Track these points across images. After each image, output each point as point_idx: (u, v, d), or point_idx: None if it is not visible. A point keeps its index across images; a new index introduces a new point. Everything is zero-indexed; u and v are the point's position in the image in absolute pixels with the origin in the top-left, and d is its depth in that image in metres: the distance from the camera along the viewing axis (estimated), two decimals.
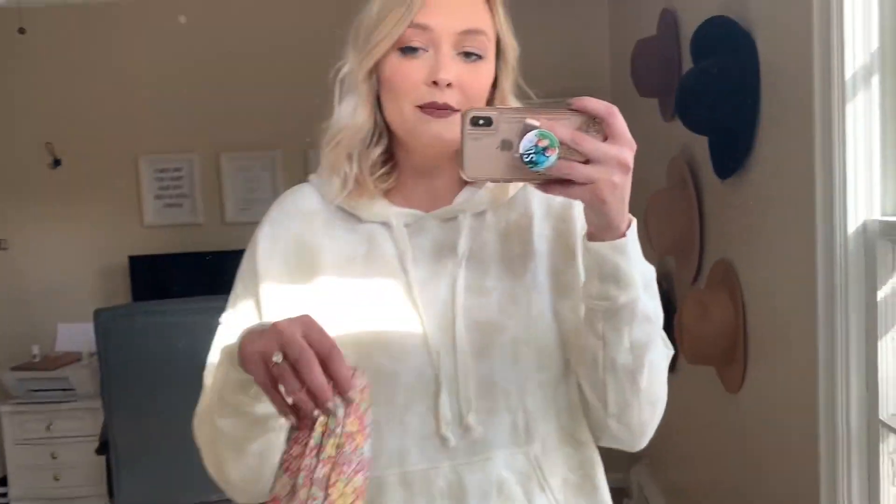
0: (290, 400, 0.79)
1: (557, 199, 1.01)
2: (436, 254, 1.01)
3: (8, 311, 4.09)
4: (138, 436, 2.57)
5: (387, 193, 1.03)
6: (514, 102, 1.03)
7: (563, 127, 0.81)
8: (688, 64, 2.37)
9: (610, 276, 0.88)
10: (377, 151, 1.02)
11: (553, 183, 0.83)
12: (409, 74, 0.95)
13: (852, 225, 1.61)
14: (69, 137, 4.01)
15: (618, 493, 1.58)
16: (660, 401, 0.99)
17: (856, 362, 1.62)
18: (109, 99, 3.99)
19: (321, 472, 0.78)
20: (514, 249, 1.02)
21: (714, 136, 2.25)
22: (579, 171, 0.81)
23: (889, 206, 1.60)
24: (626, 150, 0.82)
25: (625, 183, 0.83)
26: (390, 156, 1.03)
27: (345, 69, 1.01)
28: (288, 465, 0.81)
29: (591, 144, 0.81)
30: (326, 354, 0.79)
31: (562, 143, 0.81)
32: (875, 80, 1.58)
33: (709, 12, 2.20)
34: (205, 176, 4.10)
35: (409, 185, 1.04)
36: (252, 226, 1.07)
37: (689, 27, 2.40)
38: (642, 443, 1.02)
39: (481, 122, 0.81)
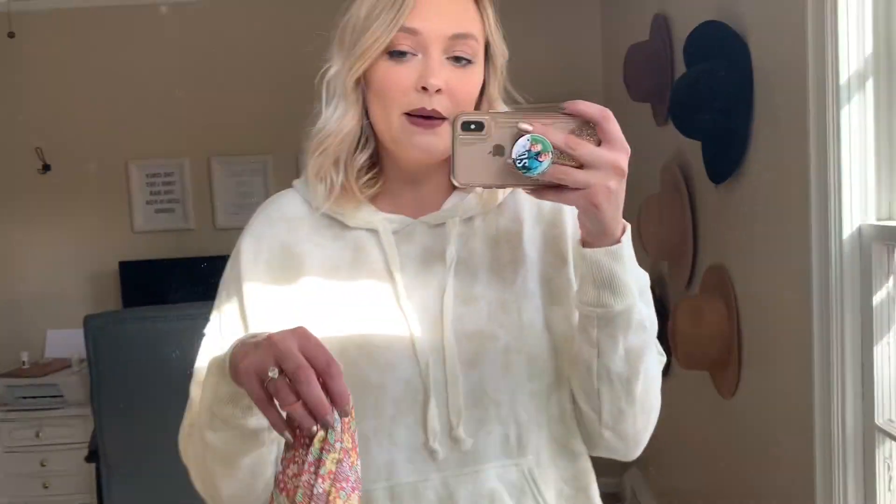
0: (285, 415, 0.77)
1: (547, 204, 0.99)
2: (424, 261, 0.99)
3: None
4: (128, 443, 2.55)
5: (373, 199, 1.01)
6: (502, 107, 1.00)
7: (556, 131, 0.79)
8: (680, 69, 2.36)
9: (605, 282, 0.87)
10: (363, 157, 0.99)
11: (546, 188, 0.82)
12: (398, 80, 0.93)
13: (847, 229, 1.60)
14: (59, 142, 3.97)
15: (611, 498, 1.57)
16: (654, 409, 0.98)
17: (851, 367, 1.62)
18: (99, 103, 3.97)
19: (321, 487, 0.76)
20: (503, 256, 1.00)
21: (707, 140, 2.25)
22: (574, 176, 0.80)
23: (884, 210, 1.60)
24: (620, 154, 0.81)
25: (620, 188, 0.82)
26: (376, 160, 1.01)
27: (331, 72, 0.98)
28: (284, 486, 0.79)
29: (586, 149, 0.80)
30: (324, 368, 0.76)
31: (555, 148, 0.79)
32: (869, 84, 1.58)
33: (702, 17, 2.19)
34: (196, 181, 4.07)
35: (395, 190, 1.01)
36: None
37: (681, 32, 2.40)
38: (636, 452, 1.01)
39: (473, 126, 0.80)
